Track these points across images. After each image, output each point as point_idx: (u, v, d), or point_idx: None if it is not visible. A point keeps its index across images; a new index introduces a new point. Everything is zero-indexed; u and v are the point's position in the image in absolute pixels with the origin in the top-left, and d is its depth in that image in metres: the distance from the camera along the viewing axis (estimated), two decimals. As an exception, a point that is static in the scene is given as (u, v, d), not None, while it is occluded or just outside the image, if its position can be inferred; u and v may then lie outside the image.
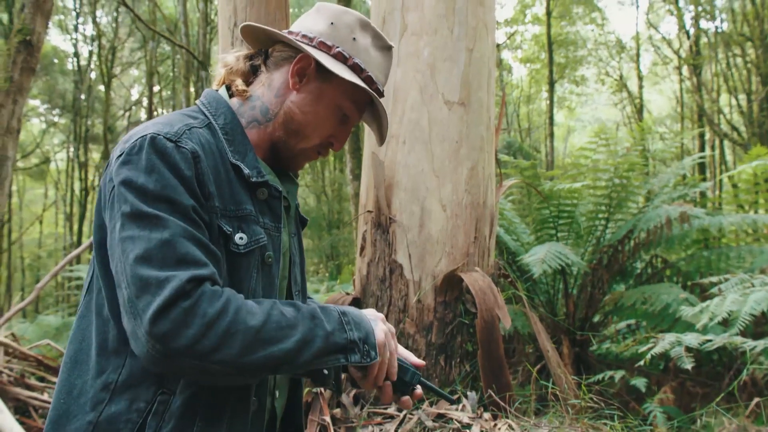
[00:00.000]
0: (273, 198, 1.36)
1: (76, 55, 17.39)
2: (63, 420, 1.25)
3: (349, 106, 1.41)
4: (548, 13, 17.58)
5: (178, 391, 1.21)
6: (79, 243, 17.61)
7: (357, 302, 3.86)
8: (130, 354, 1.21)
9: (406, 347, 3.63)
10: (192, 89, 14.96)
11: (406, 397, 1.42)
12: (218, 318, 1.08)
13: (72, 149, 18.48)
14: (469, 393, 3.42)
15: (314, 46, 1.37)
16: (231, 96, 1.42)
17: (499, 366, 3.42)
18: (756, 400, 4.09)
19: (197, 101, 1.40)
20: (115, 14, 17.42)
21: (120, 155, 1.20)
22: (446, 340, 3.67)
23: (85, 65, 17.35)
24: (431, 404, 3.42)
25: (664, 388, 5.20)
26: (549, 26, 17.46)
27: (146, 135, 1.19)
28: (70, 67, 19.07)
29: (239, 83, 1.41)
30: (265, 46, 1.46)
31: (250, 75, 1.45)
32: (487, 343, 3.40)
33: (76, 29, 17.29)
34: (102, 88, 17.68)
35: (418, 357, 3.61)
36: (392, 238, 3.72)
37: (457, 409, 3.28)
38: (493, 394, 3.35)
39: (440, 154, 3.73)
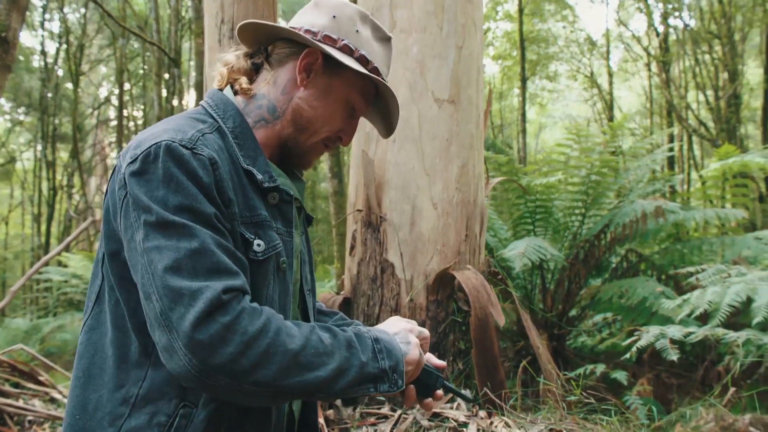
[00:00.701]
0: (284, 202, 1.34)
1: (43, 52, 17.00)
2: None
3: (357, 99, 1.40)
4: (520, 11, 17.70)
5: (201, 404, 1.18)
6: (47, 244, 17.25)
7: (347, 302, 3.84)
8: (151, 366, 1.18)
9: (399, 346, 3.61)
10: (164, 87, 14.73)
11: (429, 400, 1.41)
12: (258, 337, 1.06)
13: (39, 148, 18.08)
14: (463, 391, 3.42)
15: (319, 40, 1.35)
16: (235, 94, 1.39)
17: (494, 364, 3.43)
18: (732, 389, 4.17)
19: (202, 102, 1.37)
20: (83, 10, 17.07)
21: (132, 162, 1.15)
22: (439, 338, 3.66)
23: (52, 63, 16.97)
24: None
25: (641, 380, 5.27)
26: (521, 23, 17.58)
27: (160, 142, 1.15)
28: (36, 64, 18.66)
29: (243, 81, 1.38)
30: (263, 44, 1.44)
31: (253, 73, 1.42)
32: (481, 341, 3.40)
33: (42, 26, 16.91)
34: (70, 85, 17.32)
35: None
36: (383, 237, 3.70)
37: (452, 408, 3.28)
38: (488, 391, 3.35)
39: (431, 152, 3.72)
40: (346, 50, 1.36)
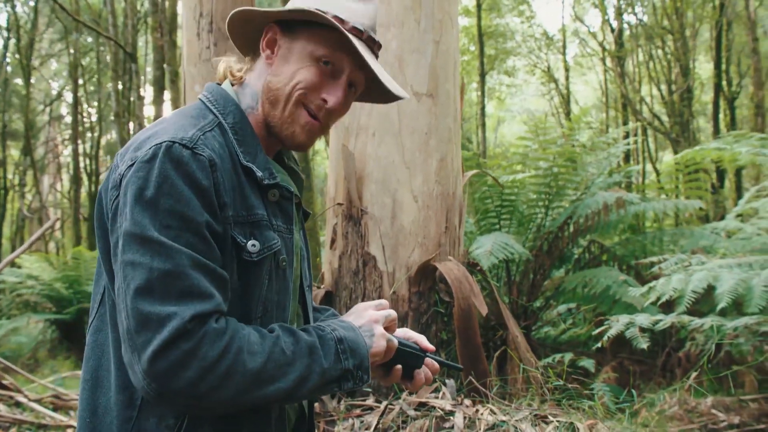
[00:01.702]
0: (284, 199, 1.32)
1: (-9, 46, 16.45)
2: None
3: (326, 51, 1.28)
4: (478, 6, 17.88)
5: None
6: (-1, 244, 16.74)
7: (329, 295, 3.85)
8: None
9: (382, 338, 3.64)
10: (120, 83, 14.43)
11: (416, 378, 1.41)
12: (218, 361, 1.06)
13: (-11, 146, 17.50)
14: (447, 381, 3.47)
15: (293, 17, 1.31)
16: (232, 85, 1.37)
17: (477, 353, 3.49)
18: (694, 374, 4.31)
19: (201, 97, 1.34)
20: (33, 3, 16.57)
21: (131, 164, 1.14)
22: (422, 329, 3.71)
23: (1, 57, 16.43)
24: (411, 393, 3.46)
25: (605, 367, 5.42)
26: (479, 18, 17.76)
27: (161, 143, 1.14)
28: (-17, 59, 18.03)
29: (234, 68, 1.37)
30: (262, 19, 1.37)
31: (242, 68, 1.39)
32: (464, 331, 3.46)
33: (-10, 19, 16.34)
34: (20, 81, 16.81)
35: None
36: (365, 230, 3.72)
37: (437, 397, 3.33)
38: (473, 380, 3.41)
39: (410, 145, 3.76)
40: (301, 13, 1.28)
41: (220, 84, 1.38)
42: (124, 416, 1.17)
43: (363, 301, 3.70)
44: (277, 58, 1.32)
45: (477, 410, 3.18)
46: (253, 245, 1.22)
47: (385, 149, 3.75)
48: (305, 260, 1.49)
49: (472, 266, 4.16)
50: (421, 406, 3.30)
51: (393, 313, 1.37)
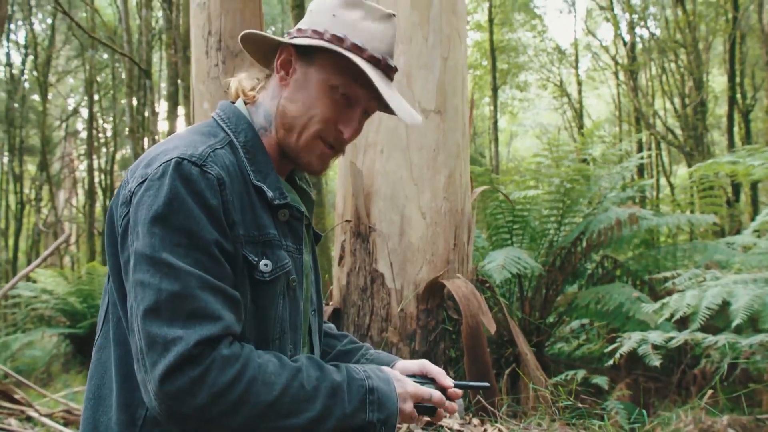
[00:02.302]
0: (295, 219, 1.31)
1: (9, 63, 16.70)
2: None
3: (343, 81, 1.27)
4: (490, 20, 17.92)
5: None
6: (15, 258, 16.88)
7: (337, 312, 3.83)
8: None
9: (390, 356, 3.61)
10: (134, 99, 14.57)
11: (446, 406, 1.36)
12: (228, 388, 1.05)
13: (6, 161, 17.72)
14: (456, 400, 3.43)
15: (307, 37, 1.29)
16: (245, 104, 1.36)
17: (486, 371, 3.45)
18: (710, 392, 4.24)
19: (213, 115, 1.34)
20: (50, 21, 16.82)
21: (142, 182, 1.13)
22: (430, 347, 3.68)
23: (19, 74, 16.67)
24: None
25: (619, 384, 5.35)
26: (491, 33, 17.80)
27: (171, 160, 1.13)
28: (1, 75, 18.31)
29: (247, 87, 1.36)
30: (273, 44, 1.38)
31: (256, 86, 1.38)
32: (472, 349, 3.43)
33: (8, 37, 16.61)
34: (37, 97, 17.03)
35: (403, 365, 3.60)
36: (372, 247, 3.71)
37: (446, 416, 3.28)
38: (481, 399, 3.37)
39: (418, 161, 3.75)
40: (315, 35, 1.27)
41: (233, 102, 1.37)
42: None
43: (371, 318, 3.68)
44: (292, 82, 1.31)
45: (485, 430, 3.14)
46: (266, 265, 1.21)
47: (393, 165, 3.74)
48: (313, 284, 1.46)
49: (482, 283, 4.13)
50: (429, 425, 3.26)
51: (437, 394, 1.31)
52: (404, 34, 3.80)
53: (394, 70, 1.35)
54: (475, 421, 3.27)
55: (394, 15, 1.36)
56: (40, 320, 11.21)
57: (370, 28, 1.29)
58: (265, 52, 1.39)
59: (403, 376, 1.29)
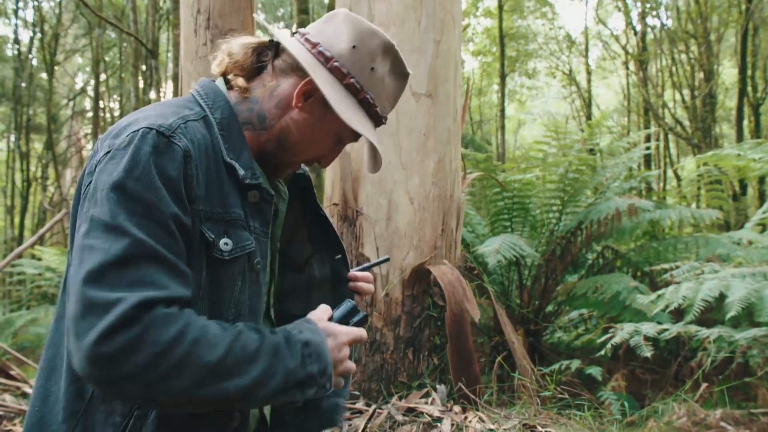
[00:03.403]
0: (264, 201, 1.29)
1: (16, 41, 16.69)
2: (36, 429, 1.18)
3: (348, 135, 1.37)
4: (500, 7, 17.75)
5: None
6: (21, 236, 16.98)
7: (323, 296, 3.81)
8: None
9: (374, 341, 3.61)
10: (140, 78, 14.55)
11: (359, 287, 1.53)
12: (170, 348, 1.00)
13: (12, 139, 17.77)
14: (438, 386, 3.42)
15: (328, 69, 1.28)
16: (229, 88, 1.34)
17: (469, 359, 3.43)
18: (704, 385, 4.22)
19: (192, 90, 1.32)
20: (57, -1, 16.80)
21: (108, 151, 1.11)
22: (414, 333, 3.66)
23: (26, 52, 16.66)
24: (401, 398, 3.42)
25: (615, 375, 5.33)
26: (501, 20, 17.63)
27: (138, 129, 1.11)
28: (9, 53, 18.31)
29: (241, 81, 1.33)
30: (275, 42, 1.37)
31: (254, 70, 1.35)
32: (456, 337, 3.40)
33: (16, 14, 16.60)
34: (44, 75, 17.04)
35: (387, 351, 3.60)
36: (359, 231, 3.68)
37: (426, 403, 3.27)
38: (463, 386, 3.36)
39: (408, 146, 3.71)
40: (352, 89, 1.29)
41: (215, 79, 1.36)
42: (72, 408, 1.15)
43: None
44: (307, 112, 1.31)
45: (466, 417, 3.12)
46: (226, 243, 1.19)
47: (382, 149, 3.68)
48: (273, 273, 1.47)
49: (470, 270, 4.10)
50: (410, 411, 3.25)
51: (363, 335, 1.33)
52: (397, 17, 3.75)
53: (383, 122, 1.43)
54: (457, 408, 3.26)
55: (409, 74, 1.43)
56: (43, 298, 11.30)
57: (391, 88, 1.37)
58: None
59: (323, 320, 1.29)
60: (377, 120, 1.36)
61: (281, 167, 1.38)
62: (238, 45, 1.36)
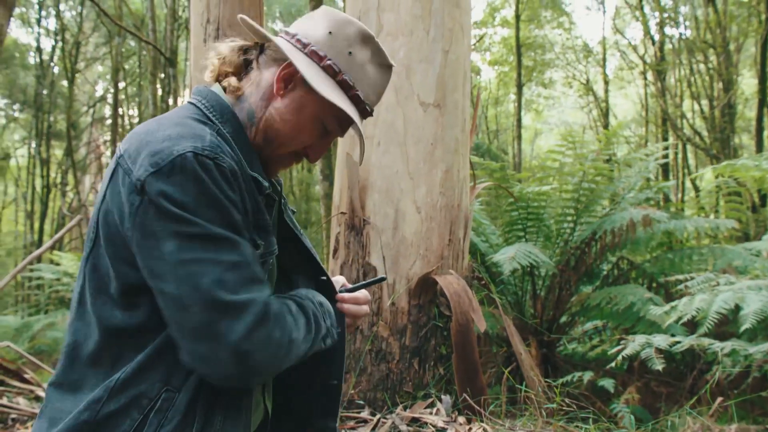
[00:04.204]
0: (269, 206, 1.36)
1: (39, 49, 16.95)
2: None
3: (331, 122, 1.36)
4: (517, 17, 17.73)
5: (184, 389, 1.18)
6: (40, 241, 17.18)
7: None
8: (128, 354, 1.19)
9: (380, 350, 3.60)
10: (159, 86, 14.70)
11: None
12: (285, 338, 1.19)
13: (33, 145, 18.02)
14: (443, 396, 3.40)
15: (306, 54, 1.31)
16: (223, 90, 1.37)
17: (474, 370, 3.41)
18: (719, 399, 4.16)
19: (193, 101, 1.33)
20: (79, 8, 17.04)
21: (156, 171, 1.12)
22: (420, 343, 3.65)
23: (48, 60, 16.92)
24: (405, 408, 3.40)
25: (629, 388, 5.27)
26: (518, 29, 17.61)
27: (185, 153, 1.13)
28: (31, 61, 18.60)
29: (233, 81, 1.36)
30: (261, 40, 1.41)
31: (243, 69, 1.39)
32: (461, 347, 3.38)
33: (38, 23, 16.87)
34: (65, 83, 17.28)
35: (392, 360, 3.59)
36: (366, 240, 3.68)
37: (431, 413, 3.26)
38: (468, 397, 3.33)
39: (415, 155, 3.71)
40: (329, 71, 1.31)
41: (211, 84, 1.39)
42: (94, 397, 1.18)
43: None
44: (288, 99, 1.33)
45: (470, 428, 3.10)
46: (259, 247, 1.27)
47: (389, 159, 3.70)
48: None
49: (477, 280, 4.08)
50: (414, 421, 3.24)
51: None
52: (405, 27, 3.76)
53: (371, 116, 1.44)
54: (461, 419, 3.23)
55: (392, 66, 1.43)
56: (61, 302, 11.43)
57: (373, 77, 1.37)
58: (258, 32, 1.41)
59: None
60: (358, 104, 1.35)
61: (270, 163, 1.39)
62: (226, 47, 1.39)
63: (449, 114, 3.81)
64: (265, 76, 1.35)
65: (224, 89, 1.36)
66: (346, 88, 1.33)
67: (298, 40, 1.33)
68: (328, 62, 1.31)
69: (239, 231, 1.17)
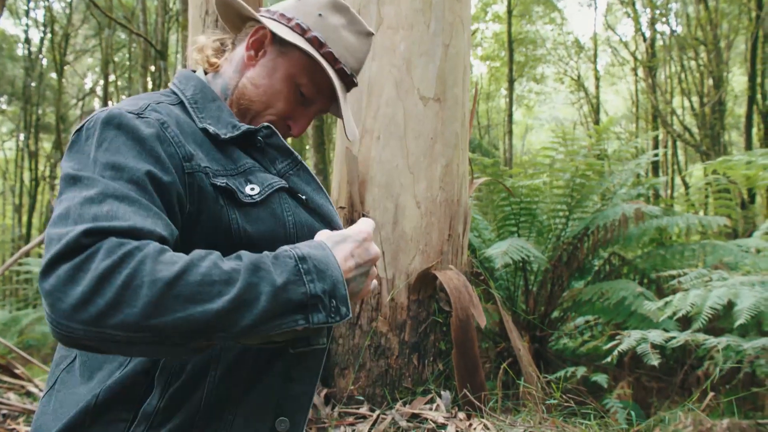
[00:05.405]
0: (269, 137, 1.23)
1: (27, 41, 16.78)
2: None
3: (306, 83, 1.28)
4: (509, 12, 17.75)
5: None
6: (28, 235, 17.04)
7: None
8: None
9: (379, 346, 3.59)
10: (149, 79, 14.60)
11: None
12: (115, 269, 0.85)
13: (22, 138, 17.87)
14: (443, 392, 3.40)
15: (274, 19, 1.29)
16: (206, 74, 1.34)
17: (474, 365, 3.40)
18: (711, 394, 4.18)
19: (170, 84, 1.30)
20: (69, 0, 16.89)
21: (78, 130, 1.09)
22: (420, 338, 3.63)
23: (36, 51, 16.76)
24: (405, 404, 3.39)
25: (621, 383, 5.29)
26: (510, 25, 17.63)
27: (105, 109, 1.09)
28: (20, 53, 18.41)
29: (211, 59, 1.32)
30: (239, 30, 1.38)
31: (221, 51, 1.35)
32: (462, 343, 3.37)
33: (27, 14, 16.69)
34: (54, 75, 17.12)
35: (392, 356, 3.58)
36: (366, 235, 3.66)
37: (431, 409, 3.25)
38: (468, 393, 3.33)
39: (415, 150, 3.69)
40: (298, 29, 1.27)
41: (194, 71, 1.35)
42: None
43: (361, 306, 3.63)
44: (259, 64, 1.29)
45: (470, 424, 3.10)
46: (252, 189, 1.13)
47: (389, 153, 3.68)
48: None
49: (476, 276, 4.07)
50: (414, 417, 3.23)
51: (367, 228, 1.13)
52: (406, 21, 3.73)
53: (355, 85, 1.36)
54: (461, 415, 3.23)
55: (373, 34, 1.37)
56: (50, 296, 11.32)
57: (349, 41, 1.31)
58: (235, 17, 1.37)
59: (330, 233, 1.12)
60: (333, 63, 1.29)
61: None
62: (203, 37, 1.37)
63: (449, 109, 3.79)
64: (237, 50, 1.33)
65: (204, 72, 1.33)
66: (317, 45, 1.27)
67: (267, 10, 1.32)
68: (296, 22, 1.28)
69: (128, 176, 0.98)
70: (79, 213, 0.92)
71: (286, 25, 1.28)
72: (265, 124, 1.25)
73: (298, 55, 1.27)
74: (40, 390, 4.87)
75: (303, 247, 1.01)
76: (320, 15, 1.29)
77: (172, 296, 0.86)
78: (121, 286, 0.84)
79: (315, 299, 0.96)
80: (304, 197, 1.21)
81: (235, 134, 1.19)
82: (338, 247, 1.06)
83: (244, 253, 0.98)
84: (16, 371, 5.16)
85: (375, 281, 1.16)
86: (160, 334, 0.86)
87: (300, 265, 0.97)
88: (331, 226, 1.26)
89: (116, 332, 0.85)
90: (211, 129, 1.18)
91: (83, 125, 1.10)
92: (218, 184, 1.11)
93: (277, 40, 1.28)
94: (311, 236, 1.15)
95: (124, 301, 0.84)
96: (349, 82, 1.32)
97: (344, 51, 1.30)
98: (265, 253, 1.00)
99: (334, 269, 1.00)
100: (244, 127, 1.21)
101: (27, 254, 9.44)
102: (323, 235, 1.10)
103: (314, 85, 1.29)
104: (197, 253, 0.93)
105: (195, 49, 1.36)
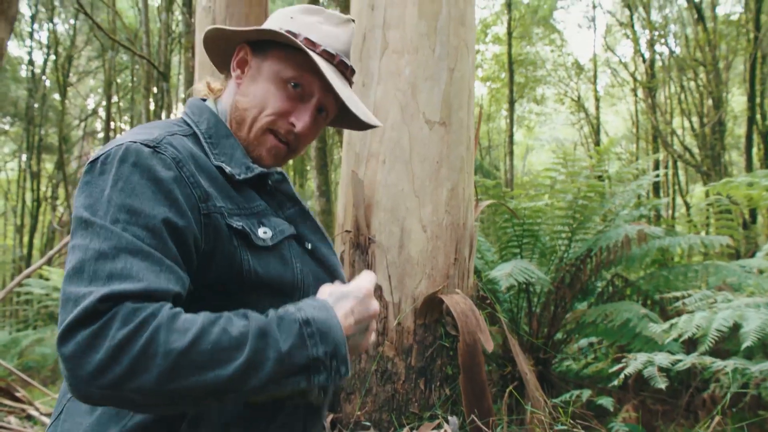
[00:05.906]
0: (278, 183, 1.30)
1: (31, 62, 16.90)
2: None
3: (295, 74, 1.28)
4: (509, 34, 17.89)
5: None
6: (29, 256, 17.02)
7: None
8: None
9: (385, 371, 3.57)
10: (151, 100, 14.68)
11: None
12: (131, 338, 0.90)
13: (24, 159, 17.92)
14: (450, 418, 3.37)
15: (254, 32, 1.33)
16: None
17: (482, 390, 3.38)
18: (717, 418, 4.15)
19: (181, 113, 1.34)
20: (72, 21, 17.02)
21: (93, 161, 1.10)
22: (426, 363, 3.62)
23: (40, 73, 16.87)
24: (412, 429, 3.36)
25: (626, 406, 5.25)
26: (510, 46, 17.75)
27: (123, 143, 1.09)
28: (23, 74, 18.54)
29: (214, 84, 1.38)
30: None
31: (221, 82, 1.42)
32: (469, 367, 3.36)
33: (31, 36, 16.82)
34: (57, 96, 17.22)
35: (398, 381, 3.56)
36: (371, 259, 3.66)
37: (438, 435, 3.22)
38: (476, 418, 3.30)
39: (421, 174, 3.70)
40: (271, 34, 1.28)
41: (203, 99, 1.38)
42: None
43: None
44: (246, 78, 1.31)
45: (478, 450, 3.07)
46: (265, 232, 1.17)
47: (394, 177, 3.69)
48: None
49: (482, 299, 4.06)
50: (420, 440, 3.20)
51: (375, 307, 1.15)
52: (410, 45, 3.76)
53: (351, 70, 1.37)
54: (469, 440, 3.20)
55: (353, 20, 1.39)
56: (50, 318, 11.30)
57: (327, 30, 1.32)
58: (224, 55, 1.40)
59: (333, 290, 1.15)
60: (313, 47, 1.29)
61: (253, 149, 1.30)
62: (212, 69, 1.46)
63: (454, 132, 3.80)
64: (230, 80, 1.37)
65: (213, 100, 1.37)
66: (310, 45, 1.28)
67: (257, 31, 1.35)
68: (269, 28, 1.29)
69: (143, 222, 1.01)
70: (94, 270, 0.96)
71: (256, 35, 1.32)
72: (279, 169, 1.30)
73: (277, 51, 1.30)
74: (41, 413, 4.84)
75: (308, 309, 1.05)
76: (291, 18, 1.33)
77: (185, 364, 0.92)
78: (137, 355, 0.90)
79: (317, 362, 1.02)
80: (309, 246, 1.27)
81: (249, 176, 1.23)
82: (339, 304, 1.09)
83: (251, 313, 1.03)
84: (17, 394, 5.13)
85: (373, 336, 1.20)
86: (175, 398, 0.93)
87: (304, 329, 1.02)
88: (334, 276, 1.31)
89: (133, 395, 0.91)
90: (228, 169, 1.20)
91: (98, 158, 1.10)
92: (234, 225, 1.14)
93: (256, 49, 1.32)
94: (316, 284, 1.20)
95: (140, 369, 0.90)
96: (339, 65, 1.32)
97: (324, 37, 1.31)
98: (271, 311, 1.05)
99: (336, 331, 1.05)
100: (258, 169, 1.25)
101: (29, 276, 9.43)
102: (326, 292, 1.13)
103: (300, 74, 1.29)
104: (208, 318, 0.98)
105: (201, 84, 1.40)
